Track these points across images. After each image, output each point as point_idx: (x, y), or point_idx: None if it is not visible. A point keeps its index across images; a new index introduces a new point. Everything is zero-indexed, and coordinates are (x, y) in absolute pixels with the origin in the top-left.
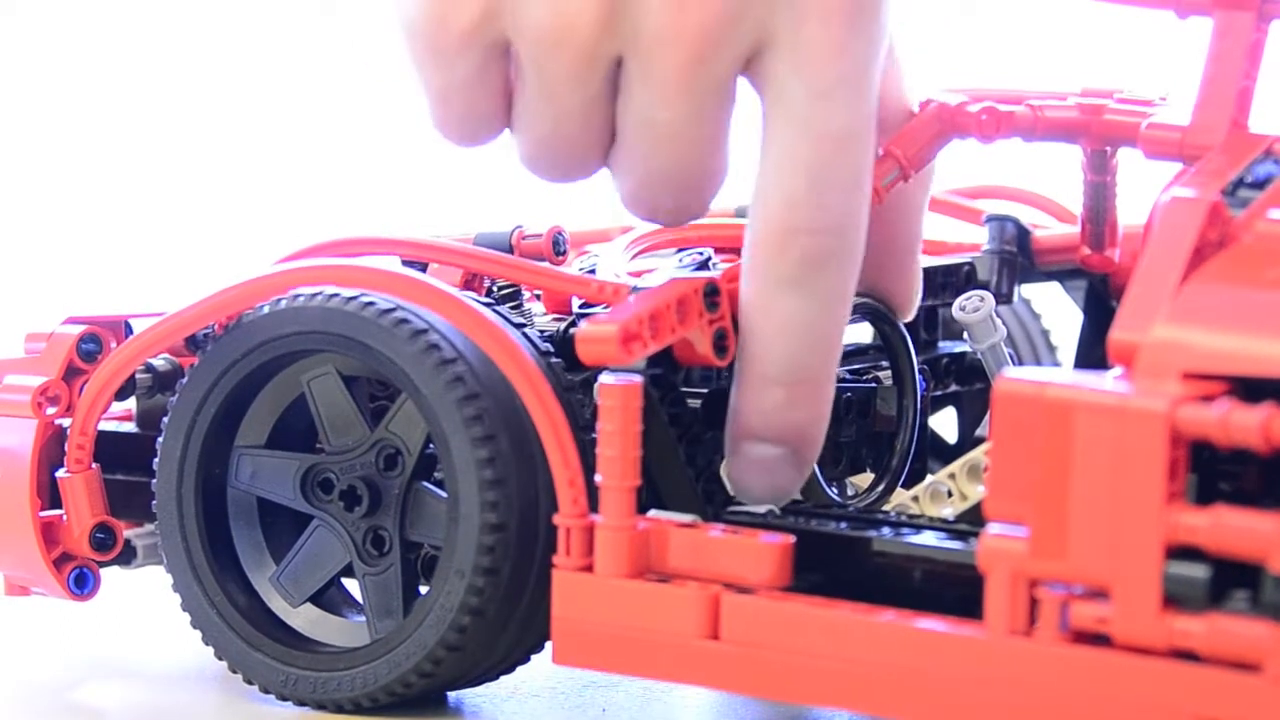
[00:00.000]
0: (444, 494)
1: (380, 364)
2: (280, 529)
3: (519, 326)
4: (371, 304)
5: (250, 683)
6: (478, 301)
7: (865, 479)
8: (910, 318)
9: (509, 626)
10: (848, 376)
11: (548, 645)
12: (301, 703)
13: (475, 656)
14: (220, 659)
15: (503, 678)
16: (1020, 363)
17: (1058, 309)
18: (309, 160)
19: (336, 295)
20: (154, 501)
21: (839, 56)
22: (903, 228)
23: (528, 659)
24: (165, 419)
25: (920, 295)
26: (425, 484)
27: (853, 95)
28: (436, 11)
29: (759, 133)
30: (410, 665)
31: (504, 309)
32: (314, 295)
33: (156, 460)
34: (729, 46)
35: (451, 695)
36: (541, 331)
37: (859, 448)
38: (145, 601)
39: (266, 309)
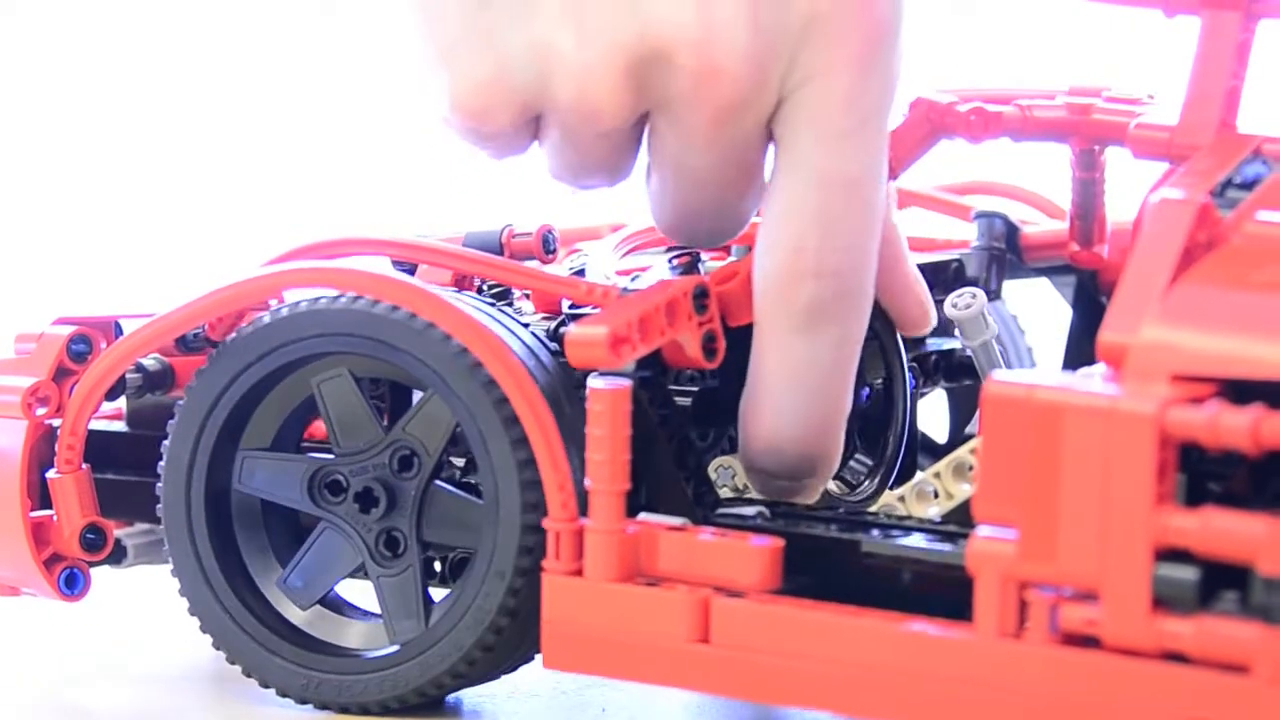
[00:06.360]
0: (462, 494)
1: (409, 367)
2: (281, 531)
3: (525, 327)
4: (399, 307)
5: (267, 686)
6: (468, 303)
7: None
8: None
9: (534, 626)
10: None
11: None
12: (324, 706)
13: (503, 657)
14: (233, 664)
15: (503, 677)
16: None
17: (1047, 306)
18: (300, 159)
19: (360, 298)
20: (158, 505)
21: (848, 108)
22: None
23: (531, 658)
24: (172, 422)
25: (933, 309)
26: (442, 484)
27: (860, 143)
28: (476, 114)
29: (771, 181)
30: (445, 667)
31: (504, 309)
32: (335, 298)
33: (163, 464)
34: (753, 108)
35: (450, 695)
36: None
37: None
38: (138, 600)
39: (285, 311)
